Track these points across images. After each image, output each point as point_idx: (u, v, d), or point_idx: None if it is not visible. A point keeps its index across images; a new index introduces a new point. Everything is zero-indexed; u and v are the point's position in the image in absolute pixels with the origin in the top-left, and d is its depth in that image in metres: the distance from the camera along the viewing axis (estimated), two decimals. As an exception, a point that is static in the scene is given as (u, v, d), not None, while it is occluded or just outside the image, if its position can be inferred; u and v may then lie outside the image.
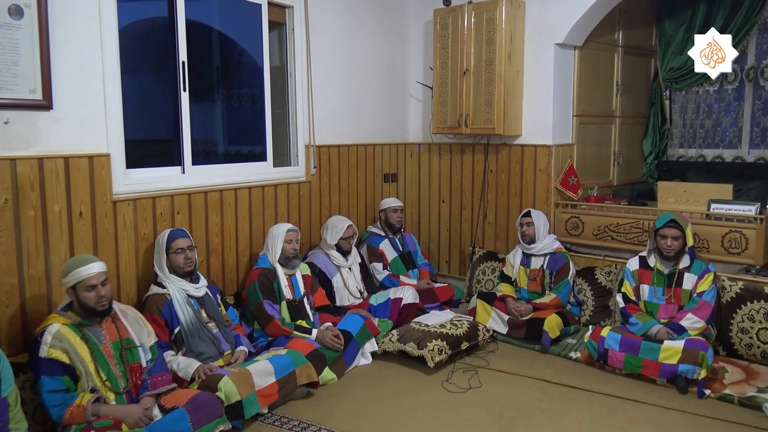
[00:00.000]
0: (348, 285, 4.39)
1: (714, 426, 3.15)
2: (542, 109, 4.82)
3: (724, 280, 3.90)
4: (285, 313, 3.81)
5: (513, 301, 4.38)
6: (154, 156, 4.14)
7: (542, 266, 4.46)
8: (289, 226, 3.93)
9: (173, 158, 3.82)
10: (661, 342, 3.60)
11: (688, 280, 3.77)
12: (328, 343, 3.70)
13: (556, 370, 3.83)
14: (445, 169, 5.46)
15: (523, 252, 4.57)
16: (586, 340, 3.86)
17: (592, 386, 3.58)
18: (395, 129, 5.47)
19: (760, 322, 3.73)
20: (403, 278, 4.79)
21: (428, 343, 3.80)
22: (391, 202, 4.95)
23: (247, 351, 3.46)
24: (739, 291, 3.83)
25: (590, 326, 4.22)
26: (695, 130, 5.74)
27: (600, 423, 3.20)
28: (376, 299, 4.40)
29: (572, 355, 4.01)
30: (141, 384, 2.87)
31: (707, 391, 3.44)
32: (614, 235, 4.57)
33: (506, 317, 4.33)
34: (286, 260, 3.87)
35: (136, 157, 3.70)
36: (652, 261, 3.90)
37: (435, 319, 4.12)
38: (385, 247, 4.87)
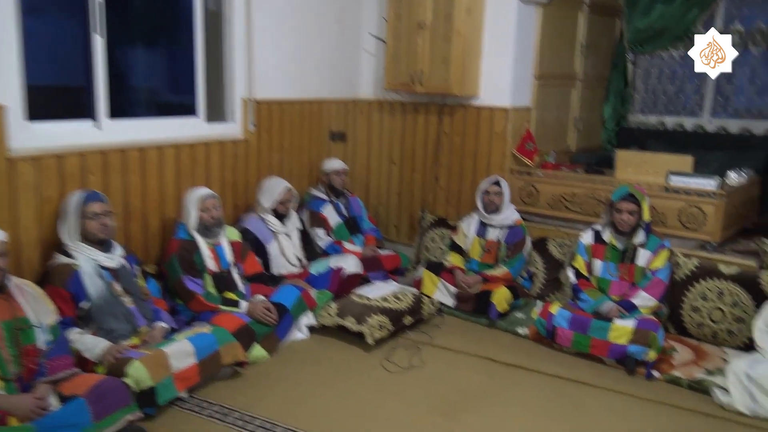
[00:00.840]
0: (285, 253, 4.09)
1: (661, 411, 3.01)
2: (501, 70, 4.51)
3: (678, 257, 3.75)
4: (210, 287, 3.49)
5: (461, 274, 4.15)
6: (67, 108, 3.69)
7: (499, 239, 4.22)
8: (204, 192, 3.55)
9: (86, 110, 3.39)
10: (612, 321, 3.43)
11: (643, 257, 3.59)
12: (259, 317, 3.42)
13: (503, 348, 3.64)
14: (397, 129, 5.14)
15: (480, 221, 4.31)
16: (535, 317, 3.67)
17: (539, 366, 3.40)
18: (344, 84, 5.09)
19: (713, 301, 3.59)
20: (346, 245, 4.50)
21: (368, 318, 3.55)
22: (334, 164, 4.61)
23: (166, 327, 3.15)
24: (693, 269, 3.68)
25: (539, 301, 4.05)
26: (657, 96, 5.54)
27: (546, 407, 3.03)
28: (316, 268, 4.12)
29: (520, 330, 3.83)
30: (37, 369, 2.54)
31: (656, 373, 3.30)
32: (569, 205, 4.36)
33: (454, 290, 4.11)
34: (205, 229, 3.52)
35: (46, 109, 3.27)
36: (606, 235, 3.70)
37: (378, 291, 3.86)
38: (328, 211, 4.56)
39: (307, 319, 3.72)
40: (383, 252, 4.64)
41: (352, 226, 4.67)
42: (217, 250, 3.60)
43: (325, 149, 4.98)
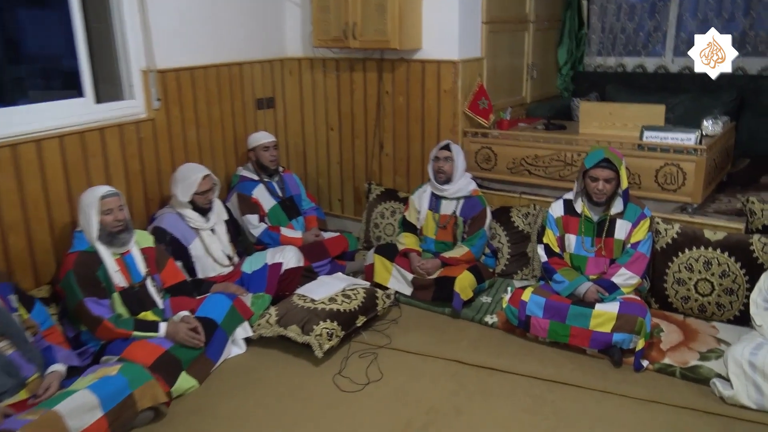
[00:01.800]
0: (212, 251, 3.48)
1: (656, 411, 2.63)
2: (446, 16, 3.89)
3: (658, 223, 3.34)
4: (120, 307, 2.88)
5: (417, 258, 3.65)
6: None
7: (454, 212, 3.72)
8: (104, 190, 2.89)
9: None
10: (592, 306, 3.01)
11: (621, 228, 3.16)
12: (183, 340, 2.84)
13: (471, 343, 3.20)
14: (332, 90, 4.50)
15: (432, 193, 3.79)
16: (504, 305, 3.23)
17: (514, 365, 2.97)
18: (268, 41, 4.39)
19: (699, 272, 3.22)
20: (284, 231, 3.92)
21: (315, 326, 3.03)
22: (260, 138, 3.96)
23: (63, 371, 2.54)
24: (675, 236, 3.28)
25: (508, 285, 3.61)
26: (615, 36, 5.05)
27: (526, 420, 2.60)
28: (250, 265, 3.54)
29: (488, 319, 3.38)
30: None
31: (645, 363, 2.92)
32: (532, 168, 3.88)
33: (410, 276, 3.61)
34: (110, 237, 2.87)
35: None
36: (579, 206, 3.25)
37: (323, 289, 3.32)
38: (260, 193, 3.95)
39: (243, 330, 3.17)
40: (327, 234, 4.09)
41: (289, 207, 4.08)
42: (126, 260, 2.96)
43: (251, 120, 4.32)
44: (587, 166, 3.10)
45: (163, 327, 2.86)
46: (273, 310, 3.19)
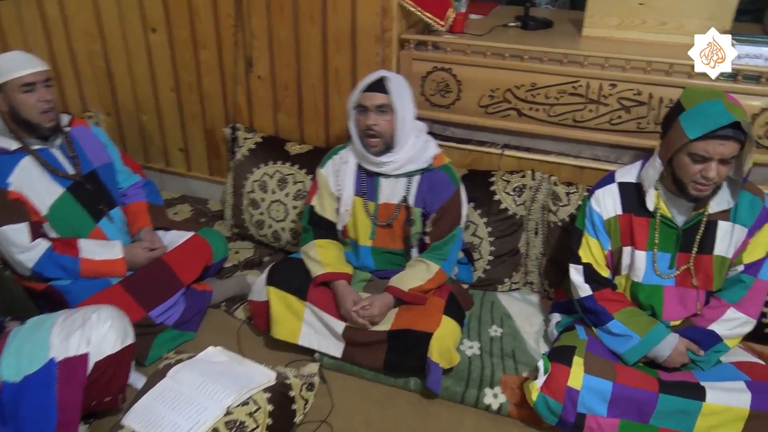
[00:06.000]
0: None
1: None
2: None
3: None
4: None
5: (350, 292, 2.01)
6: None
7: (404, 199, 2.06)
8: None
9: None
10: (702, 397, 1.65)
11: (726, 237, 1.77)
12: None
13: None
14: (147, -41, 2.47)
15: (360, 166, 2.09)
16: (534, 396, 1.76)
17: None
18: None
19: (828, 291, 1.95)
20: (87, 249, 2.07)
21: None
22: (11, 67, 1.93)
23: None
24: (790, 232, 1.96)
25: (539, 361, 2.16)
26: None
27: None
28: (19, 362, 1.69)
29: (490, 400, 1.93)
30: None
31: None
32: (524, 106, 2.28)
33: (340, 326, 2.00)
34: None
35: None
36: (651, 198, 1.77)
37: (183, 414, 1.62)
38: (28, 177, 2.01)
39: None
40: (170, 238, 2.28)
41: (92, 194, 2.17)
42: None
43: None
44: (691, 136, 1.58)
45: None
46: (78, 485, 1.47)
